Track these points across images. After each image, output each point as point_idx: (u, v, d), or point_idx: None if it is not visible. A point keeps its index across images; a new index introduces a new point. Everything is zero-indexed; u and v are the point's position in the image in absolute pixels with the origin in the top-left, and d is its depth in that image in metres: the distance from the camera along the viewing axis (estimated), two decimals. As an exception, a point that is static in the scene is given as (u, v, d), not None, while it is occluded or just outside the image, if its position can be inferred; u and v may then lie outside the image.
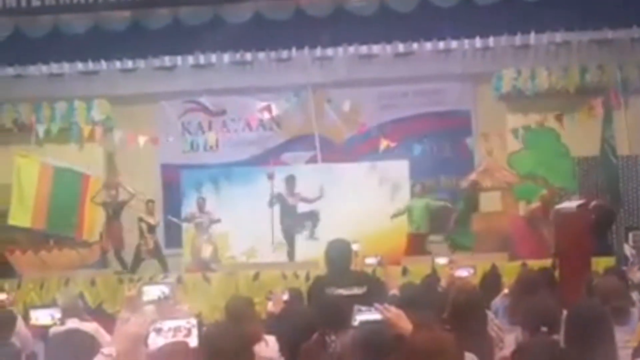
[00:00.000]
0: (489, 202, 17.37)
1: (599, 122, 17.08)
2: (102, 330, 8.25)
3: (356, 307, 5.42)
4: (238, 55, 18.63)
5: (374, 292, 7.78)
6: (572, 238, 12.40)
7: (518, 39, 17.95)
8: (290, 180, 17.50)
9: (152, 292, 5.98)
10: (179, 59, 18.81)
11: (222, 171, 19.12)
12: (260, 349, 6.14)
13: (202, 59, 18.72)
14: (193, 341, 4.20)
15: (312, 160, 19.39)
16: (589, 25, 17.36)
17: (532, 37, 17.88)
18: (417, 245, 16.94)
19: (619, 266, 13.08)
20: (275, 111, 19.41)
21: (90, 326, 8.51)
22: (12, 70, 18.73)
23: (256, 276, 14.78)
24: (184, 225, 18.45)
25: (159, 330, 4.13)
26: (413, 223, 17.18)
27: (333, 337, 4.93)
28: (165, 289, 6.10)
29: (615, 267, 12.56)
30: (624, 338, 6.03)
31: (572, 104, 18.21)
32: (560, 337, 5.62)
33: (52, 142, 19.16)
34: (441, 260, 12.74)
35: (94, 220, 18.49)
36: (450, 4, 16.36)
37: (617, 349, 5.66)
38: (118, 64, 18.72)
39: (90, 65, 18.70)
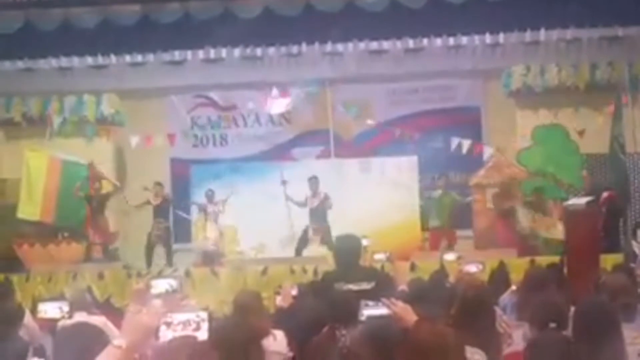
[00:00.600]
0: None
1: (608, 119, 17.05)
2: (110, 324, 8.26)
3: (363, 301, 5.42)
4: (248, 50, 18.61)
5: (383, 287, 7.77)
6: (581, 235, 12.42)
7: (528, 36, 17.90)
8: (314, 182, 17.40)
9: (160, 285, 6.00)
10: (188, 54, 18.81)
11: (232, 166, 19.14)
12: (268, 343, 6.15)
13: (212, 54, 18.72)
14: (203, 335, 4.20)
15: (322, 155, 19.40)
16: (599, 22, 17.30)
17: (542, 34, 17.84)
18: (438, 240, 16.90)
19: (627, 263, 13.09)
20: (285, 106, 19.42)
21: (99, 320, 8.52)
22: (21, 64, 18.75)
23: (264, 271, 14.79)
24: (193, 219, 18.50)
25: (169, 324, 4.13)
26: (435, 218, 17.14)
27: (343, 332, 4.92)
28: (174, 283, 6.11)
29: (624, 264, 12.56)
30: (632, 335, 6.02)
31: (581, 101, 18.21)
32: (568, 333, 5.62)
33: (61, 136, 19.15)
34: (450, 256, 12.75)
35: (102, 214, 18.54)
36: (461, 0, 16.33)
37: (625, 345, 5.65)
38: (128, 58, 18.71)
39: (100, 59, 18.70)
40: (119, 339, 3.89)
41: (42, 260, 17.06)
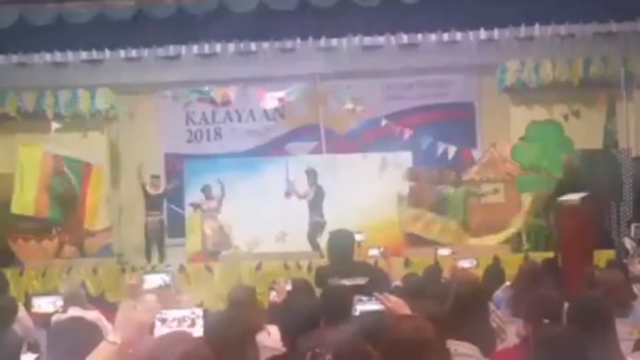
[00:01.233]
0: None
1: (602, 115, 17.07)
2: (104, 319, 8.28)
3: (356, 297, 5.42)
4: (242, 45, 18.58)
5: (377, 282, 7.79)
6: (574, 230, 12.44)
7: (522, 31, 17.89)
8: (312, 174, 17.48)
9: (153, 280, 6.00)
10: (183, 49, 18.76)
11: (226, 161, 19.15)
12: (262, 338, 6.15)
13: (206, 49, 18.68)
14: (198, 331, 4.21)
15: (316, 150, 19.40)
16: (594, 18, 17.29)
17: (537, 30, 17.84)
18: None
19: (619, 259, 13.12)
20: (279, 101, 19.41)
21: (92, 314, 8.54)
22: (16, 59, 18.68)
23: (259, 266, 14.80)
24: (187, 214, 18.52)
25: (164, 320, 4.14)
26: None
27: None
28: (167, 278, 6.12)
29: (617, 260, 12.60)
30: (625, 330, 6.04)
31: (576, 97, 18.24)
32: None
33: (56, 130, 19.12)
34: (444, 252, 12.76)
35: (95, 209, 18.54)
36: (455, -5, 16.34)
37: (619, 341, 5.67)
38: (122, 53, 18.65)
39: (95, 54, 18.66)
40: (113, 334, 3.90)
41: (36, 255, 17.07)
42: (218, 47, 18.62)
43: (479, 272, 10.25)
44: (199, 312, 4.21)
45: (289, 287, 8.55)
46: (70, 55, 18.70)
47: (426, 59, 18.77)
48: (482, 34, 18.01)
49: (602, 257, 12.83)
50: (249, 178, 18.22)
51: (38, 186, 18.15)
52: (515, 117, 18.56)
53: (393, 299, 5.04)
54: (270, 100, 19.34)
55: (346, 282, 7.86)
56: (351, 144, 19.31)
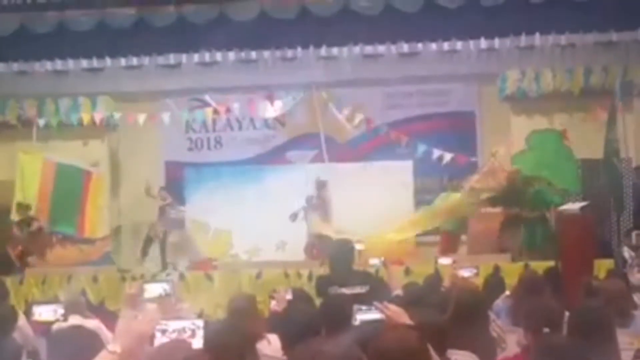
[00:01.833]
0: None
1: (603, 124, 17.06)
2: (103, 328, 8.27)
3: (356, 306, 5.42)
4: (243, 54, 18.61)
5: (377, 291, 7.80)
6: (575, 239, 12.44)
7: (523, 41, 17.91)
8: (321, 184, 17.55)
9: (153, 289, 6.01)
10: (183, 57, 18.78)
11: (226, 169, 19.16)
12: (262, 347, 6.15)
13: (207, 57, 18.70)
14: (198, 342, 4.20)
15: (316, 159, 19.38)
16: (594, 27, 17.31)
17: (537, 39, 17.86)
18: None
19: (619, 268, 13.12)
20: (279, 110, 19.40)
21: (93, 323, 8.53)
22: (16, 66, 18.72)
23: (259, 275, 14.79)
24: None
25: (164, 331, 4.14)
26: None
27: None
28: (167, 287, 6.13)
29: (617, 270, 12.59)
30: (626, 340, 6.03)
31: (576, 106, 18.24)
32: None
33: (56, 138, 19.14)
34: (444, 261, 12.76)
35: (95, 217, 18.53)
36: (456, 4, 16.33)
37: (620, 350, 5.66)
38: (123, 61, 18.69)
39: (95, 62, 18.70)
40: (113, 344, 3.90)
41: (36, 262, 17.05)
42: (219, 56, 18.65)
43: (479, 281, 10.24)
44: (200, 323, 4.21)
45: (289, 296, 8.54)
46: (70, 63, 18.74)
47: (427, 67, 18.78)
48: (483, 43, 18.04)
49: (602, 266, 12.81)
50: (249, 186, 18.21)
51: (38, 194, 18.14)
52: (516, 127, 18.55)
53: (393, 307, 5.02)
54: (271, 108, 19.31)
55: (346, 291, 7.86)
56: (351, 153, 19.28)
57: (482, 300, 6.86)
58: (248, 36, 16.99)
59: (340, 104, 19.06)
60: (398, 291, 8.46)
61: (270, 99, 19.16)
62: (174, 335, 4.11)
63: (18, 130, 19.43)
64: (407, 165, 18.32)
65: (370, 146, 19.18)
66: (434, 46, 18.24)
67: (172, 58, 18.80)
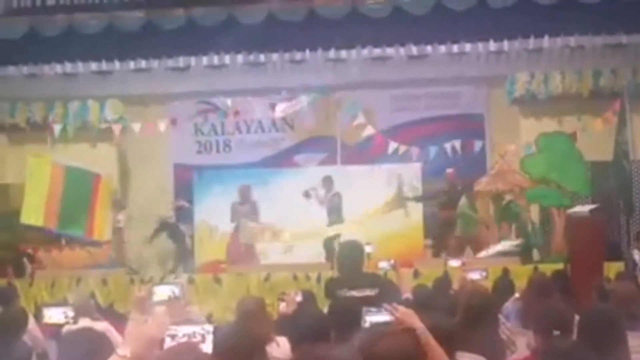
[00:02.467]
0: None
1: (612, 127, 17.03)
2: (113, 330, 8.26)
3: (365, 308, 5.40)
4: (251, 57, 18.62)
5: (386, 293, 7.78)
6: (584, 242, 12.42)
7: (532, 43, 17.90)
8: (328, 181, 17.55)
9: (162, 292, 5.99)
10: (192, 60, 18.82)
11: (235, 172, 19.15)
12: (271, 349, 6.14)
13: (215, 60, 18.73)
14: (207, 347, 4.19)
15: (325, 162, 19.36)
16: (603, 30, 17.32)
17: (546, 41, 17.85)
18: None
19: (628, 271, 13.08)
20: (288, 113, 19.39)
21: (102, 325, 8.53)
22: (26, 70, 18.77)
23: (267, 277, 14.79)
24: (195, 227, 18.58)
25: (173, 336, 4.14)
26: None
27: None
28: (176, 289, 6.11)
29: (627, 272, 12.55)
30: (636, 343, 6.01)
31: (585, 108, 18.20)
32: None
33: (65, 141, 19.17)
34: (454, 263, 12.74)
35: (104, 220, 18.53)
36: (464, 6, 16.33)
37: (630, 354, 5.65)
38: (132, 64, 18.73)
39: (104, 65, 18.74)
40: (123, 348, 3.90)
41: (45, 265, 17.09)
42: (227, 59, 18.68)
43: (489, 284, 10.22)
44: (209, 327, 4.20)
45: (299, 299, 8.54)
46: (80, 66, 18.79)
47: (435, 70, 18.76)
48: (492, 45, 18.05)
49: (611, 269, 12.78)
50: (257, 189, 18.19)
51: (47, 197, 18.16)
52: (525, 129, 18.52)
53: (402, 309, 5.00)
54: (280, 111, 19.30)
55: (355, 293, 7.85)
56: (359, 156, 19.24)
57: (492, 303, 6.85)
58: (256, 39, 17.03)
59: (348, 107, 19.02)
60: (408, 294, 8.46)
61: (279, 101, 19.15)
62: (183, 340, 4.10)
63: (27, 134, 19.47)
64: (416, 168, 18.29)
65: (379, 149, 19.12)
66: (442, 49, 18.24)
67: (180, 61, 18.83)
